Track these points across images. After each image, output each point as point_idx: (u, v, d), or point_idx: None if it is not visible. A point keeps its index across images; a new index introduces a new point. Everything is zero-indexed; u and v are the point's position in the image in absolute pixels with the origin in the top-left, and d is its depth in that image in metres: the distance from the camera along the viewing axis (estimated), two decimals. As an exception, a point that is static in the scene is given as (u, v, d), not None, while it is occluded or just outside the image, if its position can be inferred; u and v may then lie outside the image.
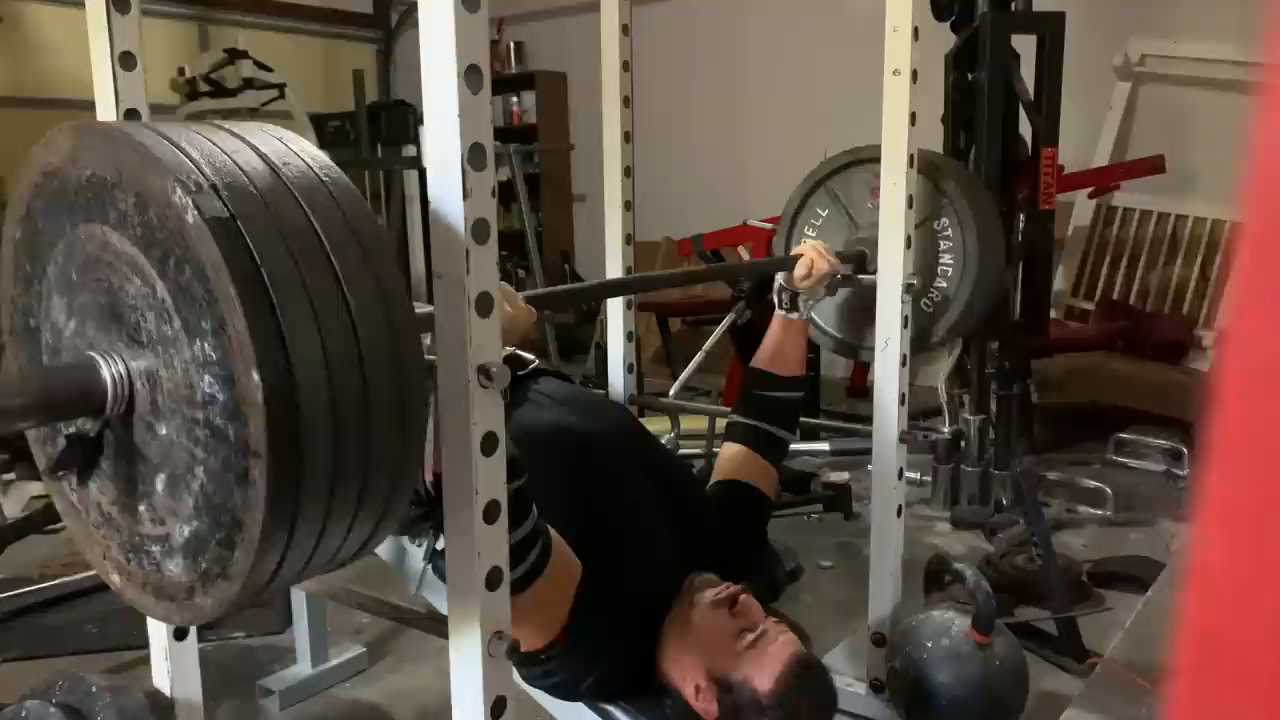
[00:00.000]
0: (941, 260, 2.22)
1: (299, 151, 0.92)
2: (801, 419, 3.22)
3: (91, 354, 0.91)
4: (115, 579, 1.00)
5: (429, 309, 1.06)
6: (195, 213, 0.80)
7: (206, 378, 0.84)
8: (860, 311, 2.29)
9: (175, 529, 0.90)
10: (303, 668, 2.33)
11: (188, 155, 0.84)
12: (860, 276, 2.15)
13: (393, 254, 0.92)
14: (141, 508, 0.94)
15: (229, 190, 0.82)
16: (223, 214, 0.81)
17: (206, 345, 0.83)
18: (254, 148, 0.89)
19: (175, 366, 0.86)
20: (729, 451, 1.90)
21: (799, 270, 1.89)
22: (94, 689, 1.55)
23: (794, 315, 1.94)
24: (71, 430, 0.95)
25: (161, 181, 0.82)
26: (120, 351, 0.91)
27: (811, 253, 1.89)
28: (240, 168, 0.85)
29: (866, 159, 2.28)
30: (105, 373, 0.90)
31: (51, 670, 2.17)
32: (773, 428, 1.91)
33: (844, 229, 2.31)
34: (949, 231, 2.19)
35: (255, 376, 0.79)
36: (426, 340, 1.06)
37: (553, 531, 1.32)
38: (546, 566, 1.28)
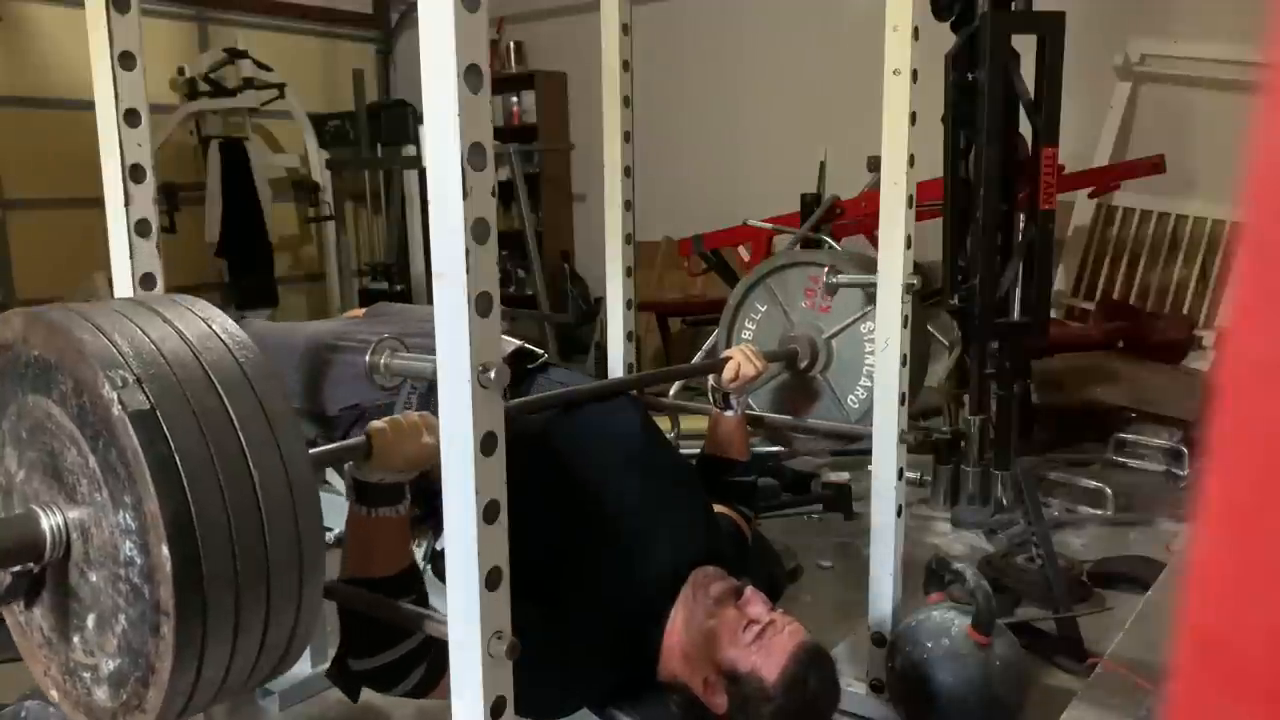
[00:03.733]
0: (867, 361, 2.33)
1: (220, 332, 1.05)
2: (802, 419, 3.24)
3: (34, 508, 1.03)
4: (54, 694, 1.12)
5: (327, 446, 1.19)
6: (119, 407, 0.91)
7: (128, 543, 0.95)
8: (793, 403, 2.45)
9: (102, 662, 1.03)
10: (303, 668, 2.32)
11: (117, 348, 0.96)
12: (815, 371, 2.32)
13: (297, 424, 1.05)
14: (76, 639, 1.06)
15: (151, 382, 0.94)
16: (144, 406, 0.92)
17: (128, 516, 0.95)
18: (180, 333, 1.02)
19: (104, 528, 0.98)
20: None
21: (727, 373, 2.00)
22: (94, 689, 1.55)
23: (729, 413, 2.04)
24: (16, 568, 1.05)
25: (93, 374, 0.94)
26: (60, 505, 1.02)
27: (739, 356, 2.01)
28: (164, 356, 0.98)
29: (802, 261, 2.47)
30: (45, 524, 1.01)
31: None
32: (736, 504, 1.99)
33: (779, 325, 2.44)
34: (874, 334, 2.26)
35: (165, 551, 0.90)
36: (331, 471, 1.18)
37: None
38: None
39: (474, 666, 1.08)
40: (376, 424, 1.22)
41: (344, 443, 1.22)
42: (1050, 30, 3.12)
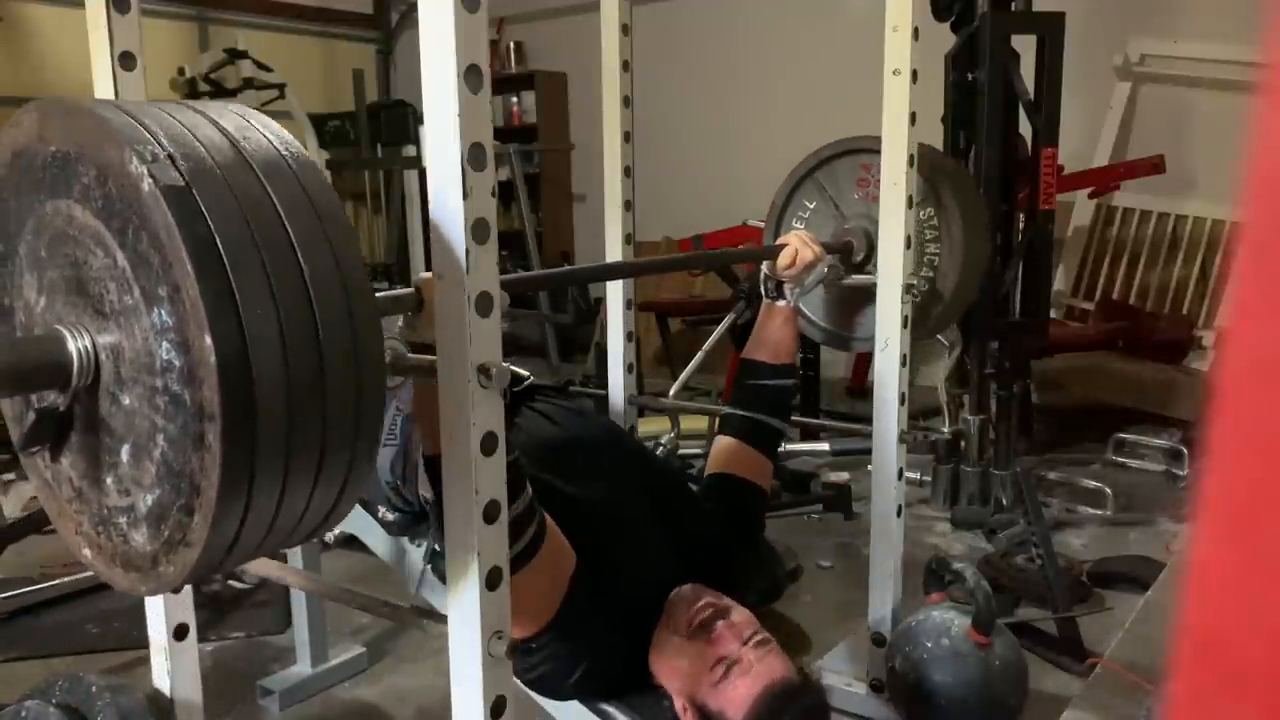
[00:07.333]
0: (928, 250, 2.21)
1: (260, 127, 0.93)
2: (801, 419, 3.23)
3: (59, 328, 0.93)
4: (86, 553, 1.01)
5: (393, 292, 1.06)
6: (150, 181, 0.81)
7: (164, 344, 0.85)
8: (848, 303, 2.30)
9: (140, 498, 0.92)
10: (303, 668, 2.33)
11: (145, 128, 0.85)
12: (855, 278, 2.15)
13: (349, 225, 0.93)
14: (109, 480, 0.95)
15: (185, 160, 0.84)
16: (178, 182, 0.82)
17: (163, 311, 0.84)
18: (214, 122, 0.91)
19: (136, 336, 0.87)
20: (722, 444, 1.88)
21: (783, 259, 1.88)
22: (94, 689, 1.55)
23: (781, 303, 1.93)
24: (42, 405, 0.97)
25: (119, 152, 0.84)
26: (86, 325, 0.92)
27: (795, 241, 1.90)
28: (198, 140, 0.87)
29: (852, 149, 2.28)
30: (71, 346, 0.91)
31: (51, 670, 2.17)
32: (765, 417, 1.89)
33: (831, 220, 2.30)
34: (935, 220, 2.19)
35: (207, 340, 0.80)
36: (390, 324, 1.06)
37: (549, 519, 1.31)
38: (542, 548, 1.27)
39: (474, 666, 1.08)
40: (425, 275, 1.11)
41: (390, 292, 1.11)
42: (1050, 30, 3.13)
